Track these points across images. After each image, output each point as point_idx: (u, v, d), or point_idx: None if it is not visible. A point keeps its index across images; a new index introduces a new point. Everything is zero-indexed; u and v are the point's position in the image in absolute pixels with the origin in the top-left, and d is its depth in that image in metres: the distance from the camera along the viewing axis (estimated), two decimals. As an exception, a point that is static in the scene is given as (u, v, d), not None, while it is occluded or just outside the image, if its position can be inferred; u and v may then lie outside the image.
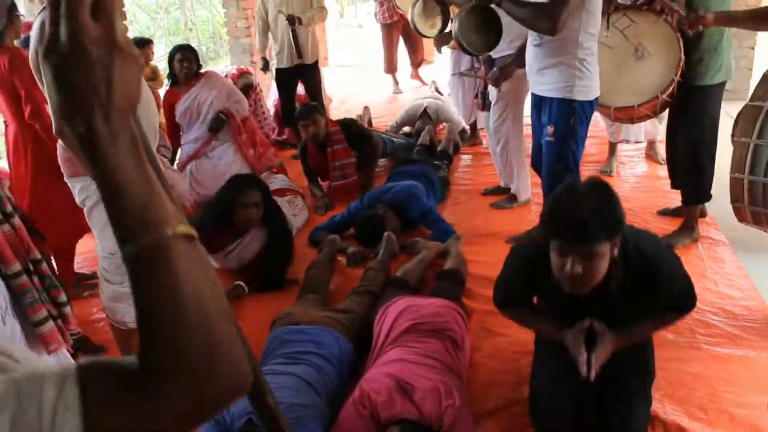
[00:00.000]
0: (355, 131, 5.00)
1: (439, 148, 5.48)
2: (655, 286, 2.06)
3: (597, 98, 3.37)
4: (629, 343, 2.13)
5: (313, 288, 3.37)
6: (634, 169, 5.01)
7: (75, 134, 0.64)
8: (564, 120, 3.31)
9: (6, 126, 3.60)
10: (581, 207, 1.87)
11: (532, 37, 3.37)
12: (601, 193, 1.92)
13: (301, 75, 6.00)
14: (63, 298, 1.73)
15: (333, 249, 3.94)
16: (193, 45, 5.69)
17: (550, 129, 3.37)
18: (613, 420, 2.16)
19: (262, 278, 3.72)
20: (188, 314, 0.65)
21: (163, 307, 0.65)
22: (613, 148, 4.99)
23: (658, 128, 4.86)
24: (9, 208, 1.61)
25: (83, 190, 2.54)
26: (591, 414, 2.18)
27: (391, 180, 4.69)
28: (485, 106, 4.45)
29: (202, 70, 5.06)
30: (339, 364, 2.64)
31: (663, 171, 4.40)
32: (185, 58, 4.90)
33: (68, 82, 0.63)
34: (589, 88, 3.28)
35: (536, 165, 3.75)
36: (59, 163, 2.52)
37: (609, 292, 2.05)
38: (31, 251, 1.64)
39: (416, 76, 8.88)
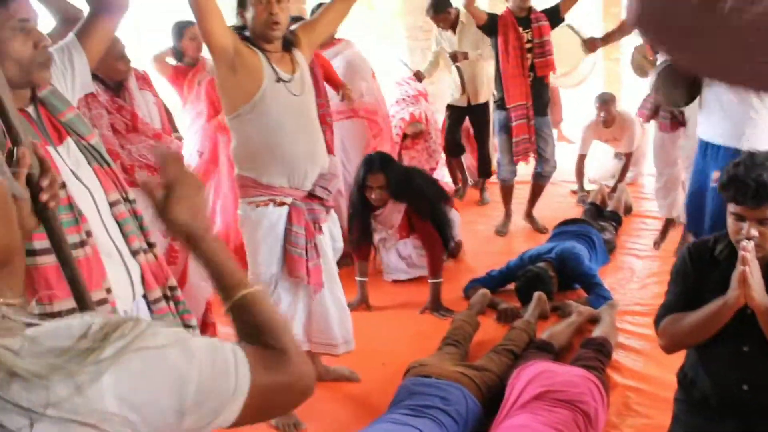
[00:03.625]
0: None
1: (608, 208, 5.28)
2: None
3: None
4: None
5: (454, 340, 3.35)
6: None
7: (189, 245, 1.09)
8: None
9: None
10: (759, 172, 1.95)
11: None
12: None
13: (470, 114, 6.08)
14: (193, 322, 1.88)
15: (483, 303, 3.91)
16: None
17: (715, 174, 3.18)
18: None
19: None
20: (280, 326, 1.04)
21: (269, 322, 1.04)
22: None
23: None
24: (152, 238, 1.78)
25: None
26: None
27: (553, 239, 4.60)
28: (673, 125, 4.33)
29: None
30: (464, 423, 2.60)
31: None
32: None
33: (175, 216, 1.08)
34: (763, 136, 3.10)
35: (692, 214, 3.58)
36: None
37: None
38: (168, 278, 1.81)
39: (561, 136, 8.32)
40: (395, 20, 9.24)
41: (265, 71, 2.63)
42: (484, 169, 6.34)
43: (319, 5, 4.61)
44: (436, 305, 4.05)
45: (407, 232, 4.47)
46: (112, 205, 1.69)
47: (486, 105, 6.05)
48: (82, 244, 1.60)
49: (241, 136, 2.73)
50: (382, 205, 4.16)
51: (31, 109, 1.65)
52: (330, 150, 3.88)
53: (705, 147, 3.35)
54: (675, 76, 3.37)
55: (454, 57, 5.56)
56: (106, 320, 0.75)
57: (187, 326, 1.86)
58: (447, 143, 6.22)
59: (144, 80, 3.44)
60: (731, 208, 2.03)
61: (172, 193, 1.05)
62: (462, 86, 5.79)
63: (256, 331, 1.02)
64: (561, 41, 5.70)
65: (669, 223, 4.64)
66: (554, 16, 5.05)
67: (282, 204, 2.75)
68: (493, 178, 6.52)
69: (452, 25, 5.72)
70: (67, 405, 0.68)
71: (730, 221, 2.05)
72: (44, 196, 1.26)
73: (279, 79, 2.66)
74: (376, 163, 4.04)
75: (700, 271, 2.14)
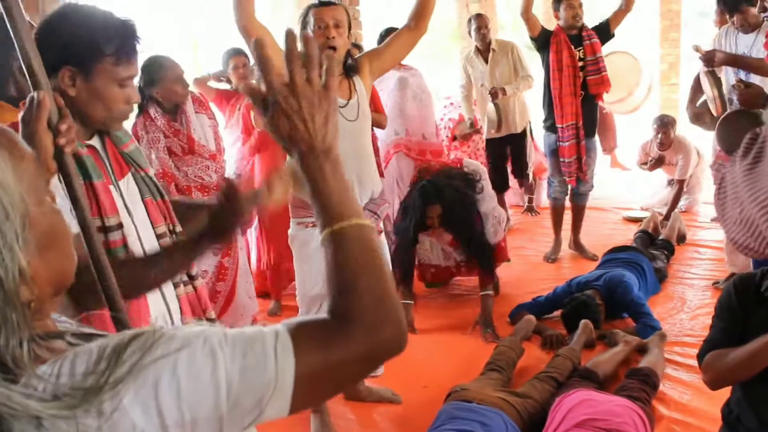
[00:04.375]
0: None
1: (660, 237, 5.19)
2: None
3: None
4: None
5: (497, 366, 3.33)
6: None
7: (295, 159, 0.96)
8: None
9: None
10: None
11: None
12: None
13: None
14: None
15: (528, 329, 3.88)
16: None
17: None
18: None
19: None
20: (364, 277, 0.90)
21: (347, 271, 0.90)
22: None
23: None
24: (193, 270, 1.83)
25: None
26: None
27: (602, 266, 4.54)
28: None
29: None
30: (503, 448, 2.58)
31: None
32: None
33: (276, 128, 0.94)
34: None
35: None
36: None
37: None
38: (207, 310, 1.85)
39: (615, 162, 8.15)
40: (451, 42, 9.33)
41: None
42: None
43: (388, 31, 4.69)
44: (486, 320, 4.05)
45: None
46: (159, 237, 1.74)
47: (523, 133, 5.95)
48: None
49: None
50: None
51: (96, 142, 1.70)
52: (380, 174, 3.93)
53: None
54: (736, 123, 3.30)
55: (495, 94, 5.48)
56: (120, 338, 0.75)
57: None
58: (493, 178, 5.83)
59: (200, 103, 3.55)
60: None
61: (276, 100, 0.93)
62: (498, 124, 5.70)
63: (335, 277, 0.91)
64: (617, 67, 5.66)
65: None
66: (604, 33, 5.00)
67: None
68: (543, 202, 6.50)
69: (484, 52, 5.71)
70: None
71: None
72: (61, 140, 1.31)
73: None
74: (432, 196, 4.08)
75: (746, 306, 2.06)
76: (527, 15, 4.85)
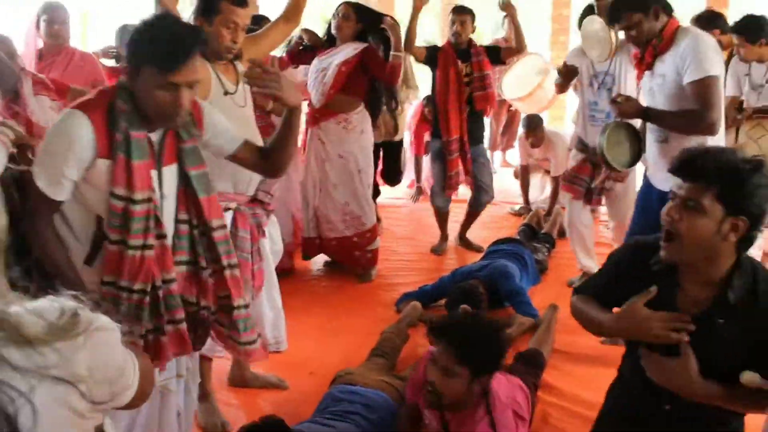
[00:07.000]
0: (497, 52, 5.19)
1: (543, 231, 5.41)
2: None
3: None
4: (714, 400, 1.79)
5: (383, 352, 3.38)
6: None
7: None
8: None
9: None
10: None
11: (655, 134, 3.26)
12: None
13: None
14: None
15: (414, 316, 3.95)
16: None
17: None
18: None
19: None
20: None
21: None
22: None
23: None
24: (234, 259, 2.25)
25: None
26: None
27: (486, 257, 4.68)
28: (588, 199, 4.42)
29: None
30: (387, 429, 2.63)
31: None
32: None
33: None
34: None
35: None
36: None
37: (726, 309, 1.79)
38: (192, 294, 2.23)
39: (505, 162, 8.45)
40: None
41: (213, 83, 2.66)
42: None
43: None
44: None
45: (342, 83, 4.46)
46: (178, 222, 2.12)
47: (400, 142, 5.98)
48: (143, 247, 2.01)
49: None
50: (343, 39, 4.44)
51: (156, 133, 2.05)
52: None
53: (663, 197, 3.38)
54: (622, 135, 3.45)
55: None
56: (73, 305, 1.00)
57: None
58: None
59: (42, 85, 3.44)
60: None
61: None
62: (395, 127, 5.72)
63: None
64: (525, 65, 5.79)
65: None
66: (494, 57, 5.13)
67: (227, 209, 2.73)
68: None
69: None
70: (57, 368, 0.93)
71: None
72: None
73: (226, 92, 2.70)
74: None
75: (632, 273, 2.00)
76: (410, 51, 4.90)
